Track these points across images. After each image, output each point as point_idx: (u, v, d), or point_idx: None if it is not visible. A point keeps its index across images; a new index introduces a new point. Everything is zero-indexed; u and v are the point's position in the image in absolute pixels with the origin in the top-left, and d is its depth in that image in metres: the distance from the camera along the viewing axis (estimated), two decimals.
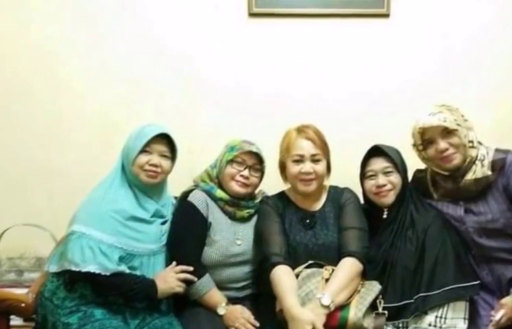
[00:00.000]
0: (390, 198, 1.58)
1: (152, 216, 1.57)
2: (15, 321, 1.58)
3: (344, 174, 1.69)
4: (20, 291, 1.63)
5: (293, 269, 1.53)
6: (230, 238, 1.63)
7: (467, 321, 1.44)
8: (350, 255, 1.52)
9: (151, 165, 1.54)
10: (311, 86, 2.03)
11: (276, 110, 2.01)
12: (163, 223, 1.61)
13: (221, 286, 1.60)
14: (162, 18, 2.02)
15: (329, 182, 1.70)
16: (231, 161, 1.64)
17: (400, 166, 1.59)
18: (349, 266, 1.50)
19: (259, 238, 1.62)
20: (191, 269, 1.55)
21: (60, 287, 1.49)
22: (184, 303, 1.59)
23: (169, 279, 1.52)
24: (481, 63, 2.00)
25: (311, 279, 1.49)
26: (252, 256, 1.65)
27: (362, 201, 1.68)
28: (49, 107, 2.02)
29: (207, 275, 1.59)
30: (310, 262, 1.54)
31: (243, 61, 2.03)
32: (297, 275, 1.52)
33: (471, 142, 1.53)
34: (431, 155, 1.55)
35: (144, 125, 1.58)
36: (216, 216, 1.64)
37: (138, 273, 1.51)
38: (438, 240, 1.50)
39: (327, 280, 1.48)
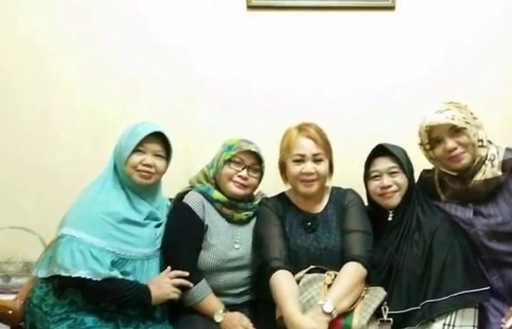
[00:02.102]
0: (395, 200, 1.56)
1: (145, 219, 1.55)
2: (2, 328, 1.55)
3: (347, 174, 1.67)
4: (7, 297, 1.61)
5: (294, 274, 1.51)
6: (228, 242, 1.61)
7: None
8: (353, 259, 1.50)
9: (144, 165, 1.52)
10: (313, 82, 2.02)
11: (276, 108, 2.00)
12: (157, 226, 1.59)
13: (218, 292, 1.58)
14: (157, 10, 2.01)
15: (331, 183, 1.68)
16: (229, 161, 1.62)
17: (406, 167, 1.57)
18: (353, 271, 1.48)
19: (258, 242, 1.60)
20: (187, 274, 1.53)
21: (49, 293, 1.47)
22: (180, 310, 1.57)
23: (163, 285, 1.50)
24: (491, 58, 2.00)
25: (313, 285, 1.47)
26: (250, 261, 1.63)
27: (366, 203, 1.66)
28: (37, 105, 2.00)
29: (204, 280, 1.56)
30: (312, 266, 1.52)
31: (241, 56, 2.02)
32: (298, 281, 1.49)
33: (481, 141, 1.51)
34: (438, 155, 1.53)
35: (137, 123, 1.56)
36: (213, 219, 1.62)
37: (131, 278, 1.48)
38: (446, 244, 1.48)
39: (329, 286, 1.46)
